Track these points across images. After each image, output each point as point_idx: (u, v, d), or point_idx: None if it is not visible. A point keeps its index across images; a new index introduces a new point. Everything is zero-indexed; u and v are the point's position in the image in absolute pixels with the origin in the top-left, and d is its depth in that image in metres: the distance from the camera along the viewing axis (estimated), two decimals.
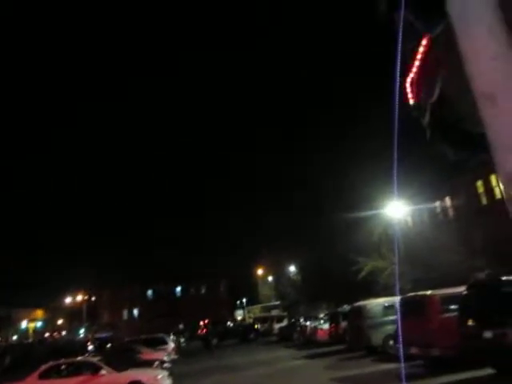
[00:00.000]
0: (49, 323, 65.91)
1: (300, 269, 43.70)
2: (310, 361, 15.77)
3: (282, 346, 23.91)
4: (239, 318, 49.91)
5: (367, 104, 51.52)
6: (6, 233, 69.62)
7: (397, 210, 22.12)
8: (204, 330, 37.57)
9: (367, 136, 42.44)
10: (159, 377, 11.04)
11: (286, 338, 26.58)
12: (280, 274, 49.35)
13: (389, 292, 20.01)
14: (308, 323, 23.73)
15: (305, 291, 40.90)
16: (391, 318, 13.52)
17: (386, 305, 14.63)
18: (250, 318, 45.71)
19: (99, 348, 26.12)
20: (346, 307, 19.40)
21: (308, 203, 44.24)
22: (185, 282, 64.01)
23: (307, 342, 22.13)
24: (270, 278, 52.87)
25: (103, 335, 34.31)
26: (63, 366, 11.63)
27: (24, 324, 62.42)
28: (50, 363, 11.66)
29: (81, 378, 10.83)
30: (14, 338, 56.66)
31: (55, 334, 62.38)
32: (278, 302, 46.45)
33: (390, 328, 13.10)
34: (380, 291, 22.57)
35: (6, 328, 56.10)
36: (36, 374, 11.05)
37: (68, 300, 48.59)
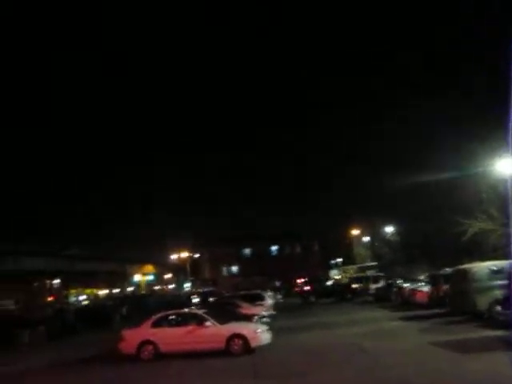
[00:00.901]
0: (158, 277, 72.39)
1: (398, 230, 42.40)
2: (407, 323, 15.46)
3: (378, 306, 23.70)
4: (336, 277, 50.11)
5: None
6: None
7: (509, 166, 20.05)
8: (307, 287, 38.01)
9: (468, 94, 38.45)
10: (259, 331, 11.58)
11: (382, 298, 26.29)
12: (375, 234, 48.35)
13: (497, 255, 18.68)
14: (406, 284, 23.17)
15: (402, 252, 39.70)
16: (499, 282, 12.67)
17: (495, 268, 13.74)
18: (345, 277, 45.65)
19: (202, 301, 28.10)
20: (448, 270, 18.54)
21: (408, 163, 42.24)
22: (280, 242, 65.64)
23: (404, 303, 21.68)
24: (365, 239, 51.98)
25: (205, 290, 36.71)
26: (172, 317, 12.68)
27: (137, 278, 69.27)
28: (161, 313, 12.86)
29: (188, 328, 11.75)
30: (129, 289, 63.25)
31: (164, 287, 68.38)
32: (373, 263, 45.73)
33: (498, 293, 12.32)
34: (486, 254, 21.12)
35: (122, 281, 62.79)
36: (149, 322, 12.29)
37: (174, 257, 52.54)
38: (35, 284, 47.73)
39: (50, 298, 44.42)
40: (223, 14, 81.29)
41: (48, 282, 49.33)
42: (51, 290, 48.75)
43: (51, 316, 21.93)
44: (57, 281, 49.31)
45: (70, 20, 77.82)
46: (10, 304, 25.68)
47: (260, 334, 11.40)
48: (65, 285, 49.89)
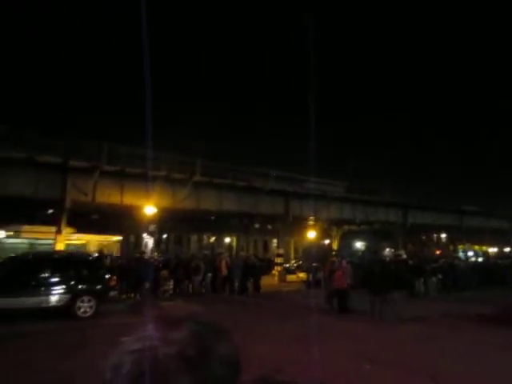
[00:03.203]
0: None
1: None
2: None
3: None
4: None
5: None
6: None
7: None
8: None
9: None
10: None
11: None
12: None
13: None
14: None
15: None
16: None
17: None
18: None
19: None
20: None
21: None
22: None
23: None
24: None
25: None
26: None
27: None
28: None
29: None
30: None
31: None
32: None
33: None
34: None
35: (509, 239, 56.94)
36: None
37: None
38: (423, 237, 50.28)
39: (437, 252, 45.75)
40: None
41: (435, 235, 50.94)
42: (438, 244, 50.16)
43: (441, 268, 22.56)
44: (443, 235, 50.26)
45: None
46: (402, 253, 28.09)
47: None
48: (451, 240, 50.18)
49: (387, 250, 48.04)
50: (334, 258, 17.97)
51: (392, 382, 6.56)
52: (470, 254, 50.82)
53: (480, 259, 42.48)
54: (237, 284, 19.54)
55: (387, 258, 34.58)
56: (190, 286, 18.92)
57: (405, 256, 29.86)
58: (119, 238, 31.00)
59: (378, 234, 46.49)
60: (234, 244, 45.14)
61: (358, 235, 48.54)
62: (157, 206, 22.06)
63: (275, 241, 41.04)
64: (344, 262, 15.12)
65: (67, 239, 22.45)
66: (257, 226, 41.08)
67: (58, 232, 21.69)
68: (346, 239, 45.44)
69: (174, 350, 0.67)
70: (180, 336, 0.70)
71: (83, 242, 27.34)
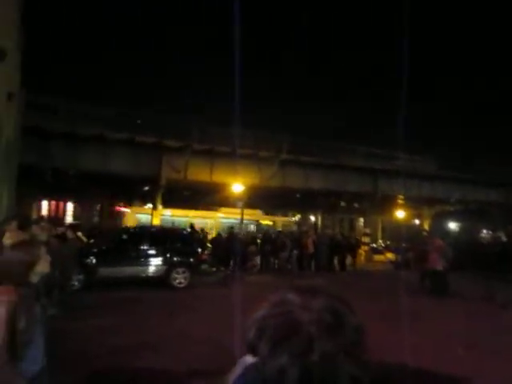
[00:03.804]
0: None
1: None
2: None
3: None
4: None
5: None
6: None
7: None
8: None
9: None
10: None
11: None
12: None
13: None
14: None
15: None
16: None
17: None
18: None
19: None
20: None
21: None
22: None
23: None
24: None
25: None
26: None
27: None
28: None
29: None
30: None
31: None
32: None
33: None
34: None
35: None
36: None
37: None
38: None
39: None
40: None
41: None
42: None
43: None
44: None
45: None
46: (502, 236, 26.03)
47: None
48: None
49: (484, 231, 44.63)
50: (427, 239, 17.16)
51: (489, 369, 6.17)
52: None
53: None
54: (322, 262, 19.57)
55: (484, 241, 32.27)
56: (276, 261, 19.28)
57: (505, 238, 27.73)
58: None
59: (474, 215, 43.39)
60: (320, 222, 44.93)
61: (452, 215, 45.72)
62: (244, 183, 22.66)
63: (362, 220, 40.13)
64: (439, 241, 14.29)
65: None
66: (343, 204, 40.42)
67: (154, 208, 23.25)
68: (439, 219, 43.03)
69: (314, 316, 0.72)
70: (318, 304, 0.75)
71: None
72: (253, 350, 0.75)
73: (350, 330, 0.73)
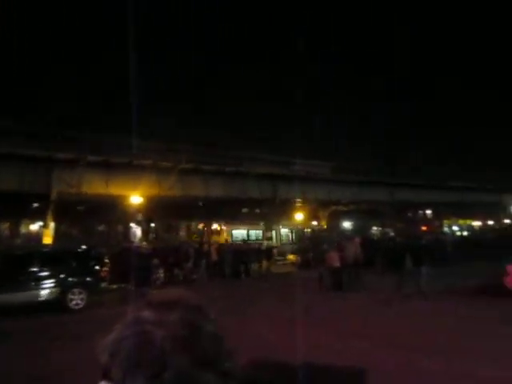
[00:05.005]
0: None
1: None
2: None
3: None
4: None
5: None
6: None
7: None
8: None
9: None
10: None
11: None
12: None
13: None
14: None
15: None
16: None
17: None
18: None
19: None
20: None
21: None
22: None
23: None
24: None
25: None
26: None
27: None
28: None
29: None
30: (506, 221, 57.75)
31: None
32: None
33: None
34: None
35: (497, 213, 57.88)
36: None
37: None
38: (409, 214, 50.92)
39: (423, 228, 46.47)
40: None
41: (421, 212, 51.62)
42: (425, 220, 50.92)
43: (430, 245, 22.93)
44: (429, 211, 50.96)
45: None
46: (390, 232, 28.69)
47: None
48: (437, 215, 50.91)
49: (374, 228, 48.68)
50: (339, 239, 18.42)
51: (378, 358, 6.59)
52: (455, 228, 51.80)
53: (465, 233, 43.42)
54: (228, 269, 19.71)
55: (374, 237, 35.11)
56: (181, 272, 18.96)
57: (392, 234, 30.29)
58: None
59: (365, 214, 46.95)
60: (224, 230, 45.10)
61: (345, 215, 48.95)
62: (144, 194, 21.93)
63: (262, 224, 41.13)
64: (357, 239, 15.68)
65: None
66: (245, 210, 41.11)
67: (45, 226, 21.51)
68: (334, 220, 45.80)
69: (169, 331, 0.70)
70: (172, 318, 0.72)
71: None
72: (106, 376, 0.70)
73: (207, 340, 0.72)
